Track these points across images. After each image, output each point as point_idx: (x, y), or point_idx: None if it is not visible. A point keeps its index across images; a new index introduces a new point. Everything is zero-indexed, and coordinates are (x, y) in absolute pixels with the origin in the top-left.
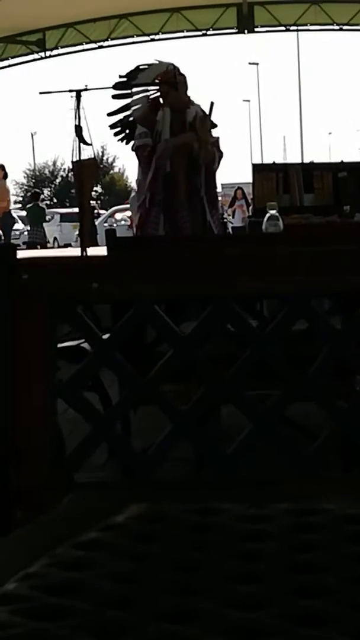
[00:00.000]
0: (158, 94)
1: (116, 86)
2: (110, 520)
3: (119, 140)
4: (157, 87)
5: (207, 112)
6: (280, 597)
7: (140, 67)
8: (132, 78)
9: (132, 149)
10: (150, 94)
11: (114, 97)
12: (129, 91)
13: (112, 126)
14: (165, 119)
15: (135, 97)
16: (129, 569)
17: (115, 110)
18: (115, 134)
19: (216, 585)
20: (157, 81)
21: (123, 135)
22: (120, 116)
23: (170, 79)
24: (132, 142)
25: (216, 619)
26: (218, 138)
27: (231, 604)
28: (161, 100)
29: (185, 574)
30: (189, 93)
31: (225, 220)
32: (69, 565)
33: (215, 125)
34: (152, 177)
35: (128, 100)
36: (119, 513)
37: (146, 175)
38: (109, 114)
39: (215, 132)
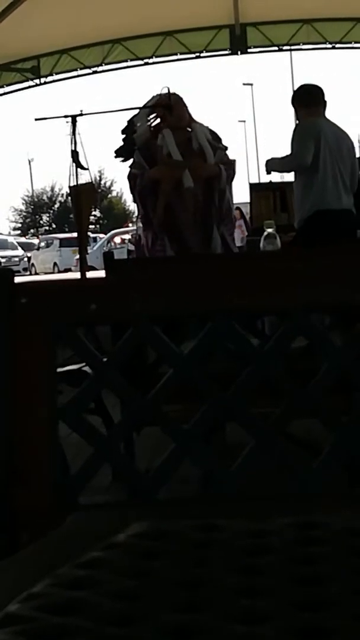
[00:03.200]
0: (158, 120)
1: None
2: (113, 539)
3: (120, 160)
4: (155, 114)
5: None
6: (284, 611)
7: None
8: (130, 129)
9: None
10: (151, 123)
11: (117, 153)
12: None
13: (117, 154)
14: (167, 140)
15: (137, 132)
16: (132, 587)
17: (120, 147)
18: (117, 156)
19: (219, 600)
20: (151, 109)
21: (124, 157)
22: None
23: (163, 101)
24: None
25: (220, 633)
26: (234, 161)
27: (235, 619)
28: (160, 123)
29: (188, 590)
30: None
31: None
32: (72, 585)
33: (226, 148)
34: (143, 208)
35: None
36: (121, 532)
37: (137, 204)
38: (117, 151)
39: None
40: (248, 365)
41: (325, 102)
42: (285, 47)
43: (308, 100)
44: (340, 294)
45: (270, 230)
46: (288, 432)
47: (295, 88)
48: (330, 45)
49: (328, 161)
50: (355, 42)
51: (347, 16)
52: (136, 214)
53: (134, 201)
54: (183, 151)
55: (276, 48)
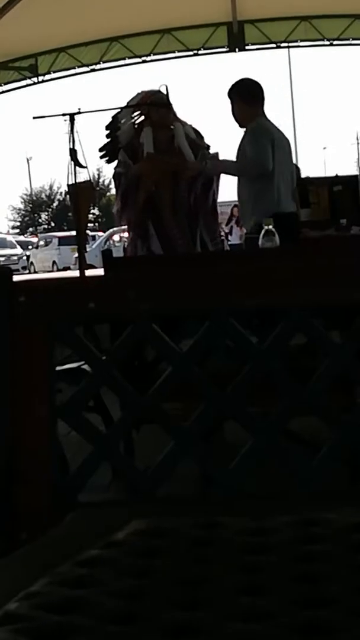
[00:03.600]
0: (142, 117)
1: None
2: (112, 537)
3: (105, 161)
4: (139, 112)
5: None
6: (284, 608)
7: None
8: (114, 126)
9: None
10: (135, 120)
11: (101, 151)
12: (115, 133)
13: (101, 154)
14: (146, 138)
15: (121, 129)
16: (131, 585)
17: (104, 145)
18: (102, 157)
19: (219, 598)
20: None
21: (108, 158)
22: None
23: (147, 100)
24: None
25: (220, 631)
26: (217, 154)
27: (235, 617)
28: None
29: (187, 588)
30: (178, 113)
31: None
32: (71, 583)
33: (208, 146)
34: (122, 207)
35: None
36: (120, 530)
37: (118, 203)
38: (100, 150)
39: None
40: (247, 363)
41: (264, 98)
42: (283, 44)
43: (251, 96)
44: (340, 294)
45: (268, 227)
46: (287, 428)
47: (291, 85)
48: (328, 42)
49: (280, 165)
50: (353, 39)
51: (344, 13)
52: (114, 210)
53: (115, 199)
54: (165, 149)
55: (274, 45)
